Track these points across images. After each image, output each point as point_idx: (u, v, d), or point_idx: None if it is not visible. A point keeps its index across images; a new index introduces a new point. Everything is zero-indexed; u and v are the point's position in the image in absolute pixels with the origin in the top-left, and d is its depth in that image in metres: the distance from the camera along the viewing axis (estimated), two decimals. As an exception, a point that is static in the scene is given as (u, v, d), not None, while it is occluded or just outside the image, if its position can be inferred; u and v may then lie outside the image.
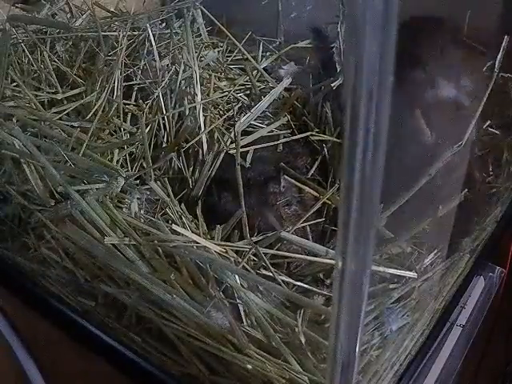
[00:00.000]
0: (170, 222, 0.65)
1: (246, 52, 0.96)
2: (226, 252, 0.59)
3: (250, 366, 0.53)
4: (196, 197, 0.72)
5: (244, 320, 0.56)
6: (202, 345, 0.56)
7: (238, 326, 0.54)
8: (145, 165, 0.74)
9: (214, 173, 0.74)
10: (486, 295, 0.73)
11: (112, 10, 1.08)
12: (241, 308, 0.56)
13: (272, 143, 0.78)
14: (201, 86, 0.84)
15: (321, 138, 0.79)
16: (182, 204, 0.70)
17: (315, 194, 0.71)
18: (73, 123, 0.77)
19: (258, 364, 0.53)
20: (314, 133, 0.80)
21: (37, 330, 0.73)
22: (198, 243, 0.59)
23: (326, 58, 0.94)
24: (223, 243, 0.61)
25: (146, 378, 0.59)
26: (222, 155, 0.75)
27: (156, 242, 0.60)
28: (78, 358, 0.67)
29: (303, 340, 0.53)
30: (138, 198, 0.66)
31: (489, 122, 0.81)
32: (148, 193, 0.67)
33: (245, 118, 0.82)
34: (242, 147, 0.74)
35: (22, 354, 0.74)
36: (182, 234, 0.59)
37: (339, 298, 0.35)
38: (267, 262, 0.59)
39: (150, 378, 0.59)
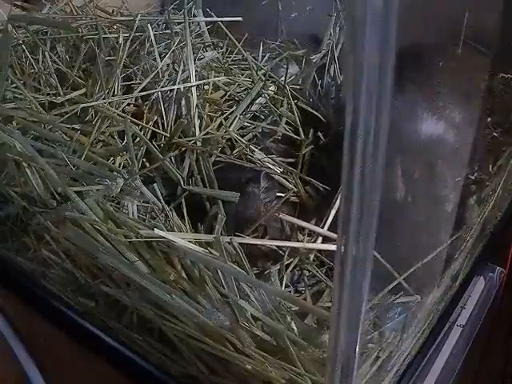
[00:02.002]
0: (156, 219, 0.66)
1: (244, 52, 0.96)
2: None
3: (249, 366, 0.53)
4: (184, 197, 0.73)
5: (243, 320, 0.56)
6: (202, 345, 0.56)
7: (239, 325, 0.55)
8: (147, 164, 0.74)
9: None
10: (486, 295, 0.73)
11: (114, 9, 1.08)
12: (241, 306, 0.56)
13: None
14: (200, 85, 0.84)
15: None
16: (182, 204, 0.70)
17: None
18: (74, 125, 0.77)
19: (257, 364, 0.53)
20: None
21: (37, 330, 0.73)
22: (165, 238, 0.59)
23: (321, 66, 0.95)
24: (191, 235, 0.62)
25: (146, 378, 0.59)
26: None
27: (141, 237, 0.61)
28: (78, 358, 0.67)
29: (295, 328, 0.53)
30: (137, 200, 0.67)
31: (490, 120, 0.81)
32: (138, 194, 0.68)
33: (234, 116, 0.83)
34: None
35: (22, 354, 0.74)
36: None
37: (339, 298, 0.35)
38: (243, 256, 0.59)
39: (150, 378, 0.59)
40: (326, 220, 0.66)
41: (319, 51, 1.00)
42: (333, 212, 0.66)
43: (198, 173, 0.73)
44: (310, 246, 0.65)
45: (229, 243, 0.60)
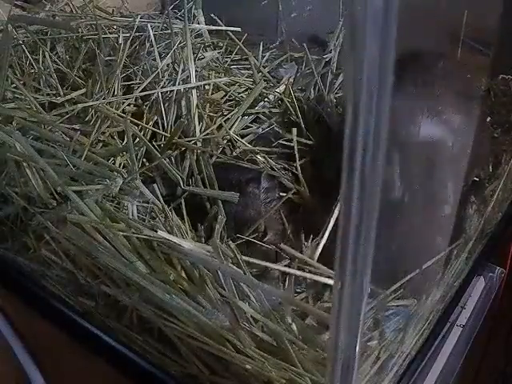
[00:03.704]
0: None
1: (247, 51, 0.96)
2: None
3: (249, 366, 0.53)
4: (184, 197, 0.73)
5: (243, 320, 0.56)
6: (202, 345, 0.56)
7: (239, 325, 0.55)
8: (147, 164, 0.74)
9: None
10: (486, 295, 0.73)
11: (113, 9, 1.08)
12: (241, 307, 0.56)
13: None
14: (200, 85, 0.84)
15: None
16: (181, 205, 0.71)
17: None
18: (74, 126, 0.77)
19: (257, 364, 0.53)
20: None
21: (37, 330, 0.73)
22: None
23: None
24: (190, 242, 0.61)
25: (146, 378, 0.59)
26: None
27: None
28: (78, 358, 0.67)
29: (295, 328, 0.53)
30: (137, 201, 0.67)
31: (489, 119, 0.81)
32: (138, 194, 0.68)
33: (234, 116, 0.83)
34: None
35: (22, 353, 0.74)
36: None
37: (339, 299, 0.35)
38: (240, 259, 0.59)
39: (150, 378, 0.59)
40: (323, 236, 0.65)
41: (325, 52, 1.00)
42: (330, 225, 0.65)
43: (197, 173, 0.73)
44: (307, 275, 0.64)
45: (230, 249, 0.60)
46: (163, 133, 0.79)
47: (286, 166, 0.77)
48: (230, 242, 0.62)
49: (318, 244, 0.63)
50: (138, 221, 0.65)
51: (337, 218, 0.64)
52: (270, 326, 0.54)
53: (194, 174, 0.73)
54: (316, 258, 0.62)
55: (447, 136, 0.68)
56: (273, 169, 0.75)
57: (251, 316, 0.55)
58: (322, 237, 0.64)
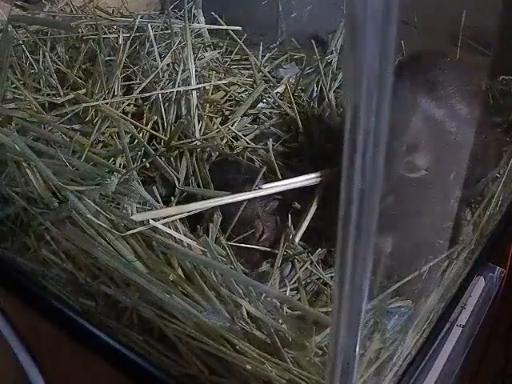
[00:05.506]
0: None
1: (247, 50, 0.96)
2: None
3: (249, 366, 0.53)
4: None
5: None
6: (201, 345, 0.56)
7: (237, 324, 0.55)
8: (147, 165, 0.74)
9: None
10: (486, 295, 0.73)
11: (113, 9, 1.08)
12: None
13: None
14: (200, 85, 0.84)
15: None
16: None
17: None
18: (73, 126, 0.77)
19: (257, 364, 0.53)
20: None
21: (37, 330, 0.73)
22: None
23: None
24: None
25: (146, 378, 0.59)
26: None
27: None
28: (78, 358, 0.67)
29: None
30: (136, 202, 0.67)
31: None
32: (138, 196, 0.68)
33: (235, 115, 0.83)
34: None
35: (22, 353, 0.74)
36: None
37: (339, 299, 0.35)
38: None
39: (150, 378, 0.59)
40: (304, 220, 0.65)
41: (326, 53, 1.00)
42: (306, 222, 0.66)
43: (192, 173, 0.73)
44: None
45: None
46: (160, 135, 0.78)
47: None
48: (222, 239, 0.62)
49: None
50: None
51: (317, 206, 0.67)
52: (269, 322, 0.54)
53: (189, 175, 0.73)
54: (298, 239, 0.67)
55: (447, 136, 0.68)
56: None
57: (247, 314, 0.55)
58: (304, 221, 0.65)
